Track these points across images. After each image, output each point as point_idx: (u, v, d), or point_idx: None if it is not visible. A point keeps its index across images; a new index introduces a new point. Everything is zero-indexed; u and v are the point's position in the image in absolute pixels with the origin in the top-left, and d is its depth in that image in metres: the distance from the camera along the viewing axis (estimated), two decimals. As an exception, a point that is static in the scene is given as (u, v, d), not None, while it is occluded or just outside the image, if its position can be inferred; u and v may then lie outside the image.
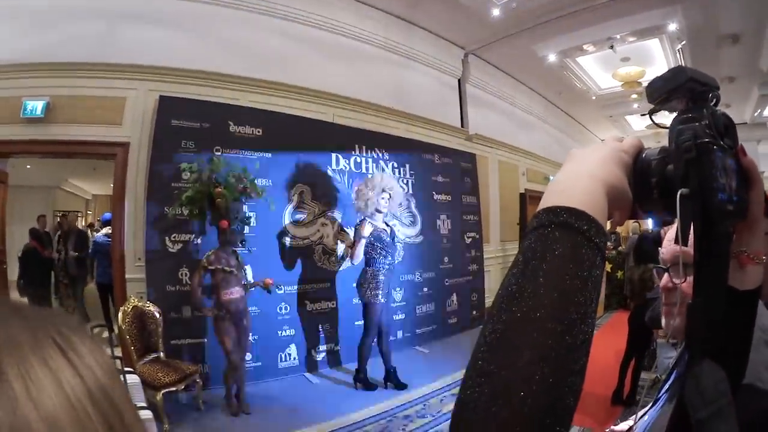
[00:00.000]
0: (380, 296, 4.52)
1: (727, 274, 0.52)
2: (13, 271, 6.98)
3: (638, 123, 11.81)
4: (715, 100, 0.54)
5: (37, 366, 0.27)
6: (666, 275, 0.89)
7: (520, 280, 0.40)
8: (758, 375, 0.70)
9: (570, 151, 0.55)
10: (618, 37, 7.14)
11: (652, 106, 0.59)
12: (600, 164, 0.50)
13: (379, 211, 4.62)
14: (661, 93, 0.56)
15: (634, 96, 9.54)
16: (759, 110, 9.99)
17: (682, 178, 0.50)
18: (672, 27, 6.72)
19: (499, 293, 0.41)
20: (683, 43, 7.15)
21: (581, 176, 0.48)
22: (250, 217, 4.52)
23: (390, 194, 4.63)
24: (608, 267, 8.44)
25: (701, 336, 0.52)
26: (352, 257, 4.65)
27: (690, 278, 0.53)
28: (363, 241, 4.52)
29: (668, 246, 0.91)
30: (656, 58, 7.90)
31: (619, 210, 0.53)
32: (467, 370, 0.38)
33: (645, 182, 0.53)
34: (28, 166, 8.58)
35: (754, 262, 0.56)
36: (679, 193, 0.49)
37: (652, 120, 0.60)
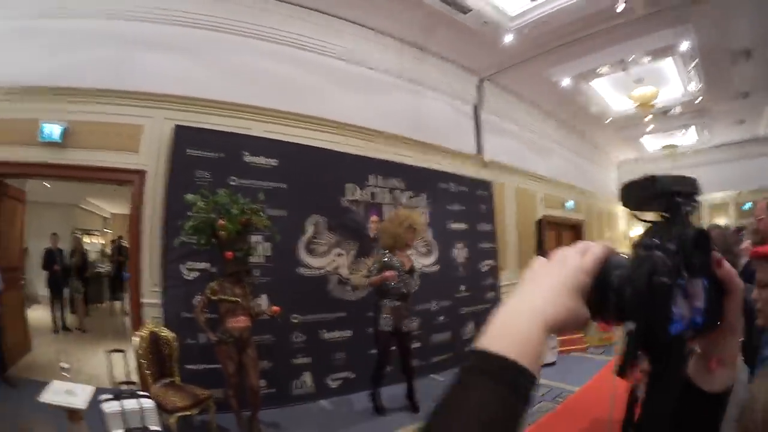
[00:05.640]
0: (386, 325, 4.56)
1: (673, 398, 0.52)
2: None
3: (653, 144, 11.74)
4: (690, 208, 0.53)
5: None
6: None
7: (439, 413, 0.42)
8: None
9: (533, 265, 0.54)
10: (631, 58, 7.14)
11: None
12: (548, 296, 0.48)
13: (407, 245, 4.71)
14: (635, 202, 0.57)
15: (649, 117, 9.47)
16: (772, 124, 9.89)
17: (634, 311, 0.49)
18: (684, 46, 6.71)
19: (425, 423, 0.42)
20: (696, 61, 7.12)
21: (521, 315, 0.47)
22: (254, 248, 4.52)
23: (416, 229, 4.74)
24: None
25: None
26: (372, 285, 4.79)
27: None
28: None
29: None
30: (669, 78, 7.89)
31: (575, 328, 0.52)
32: None
33: (604, 293, 0.51)
34: (47, 185, 8.72)
35: (722, 366, 0.55)
36: (626, 329, 0.49)
37: (638, 218, 0.59)
